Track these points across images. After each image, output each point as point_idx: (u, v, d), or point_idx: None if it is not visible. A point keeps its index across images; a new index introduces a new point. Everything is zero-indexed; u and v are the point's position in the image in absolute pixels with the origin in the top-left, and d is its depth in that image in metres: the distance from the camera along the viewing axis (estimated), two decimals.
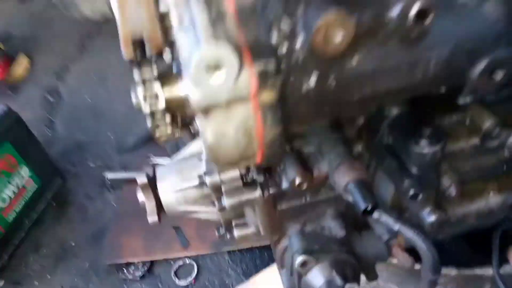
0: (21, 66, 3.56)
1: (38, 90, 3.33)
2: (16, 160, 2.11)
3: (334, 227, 1.02)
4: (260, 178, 0.94)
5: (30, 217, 2.17)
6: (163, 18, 0.49)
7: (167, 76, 0.49)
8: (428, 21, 0.47)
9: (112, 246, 1.98)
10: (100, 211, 2.19)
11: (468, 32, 0.52)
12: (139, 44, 0.50)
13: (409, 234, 0.87)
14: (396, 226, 0.88)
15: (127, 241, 1.97)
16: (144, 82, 0.50)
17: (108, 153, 2.53)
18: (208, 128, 0.48)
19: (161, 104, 0.50)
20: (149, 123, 0.51)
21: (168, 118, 0.51)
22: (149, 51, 0.50)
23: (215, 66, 0.41)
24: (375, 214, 0.91)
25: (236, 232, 1.07)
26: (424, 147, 0.76)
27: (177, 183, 1.01)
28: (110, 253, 1.95)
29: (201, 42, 0.40)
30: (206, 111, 0.46)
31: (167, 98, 0.49)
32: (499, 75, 0.56)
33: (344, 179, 0.78)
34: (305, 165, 0.92)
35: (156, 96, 0.50)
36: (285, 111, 0.52)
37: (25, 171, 2.16)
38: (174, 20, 0.46)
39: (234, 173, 0.93)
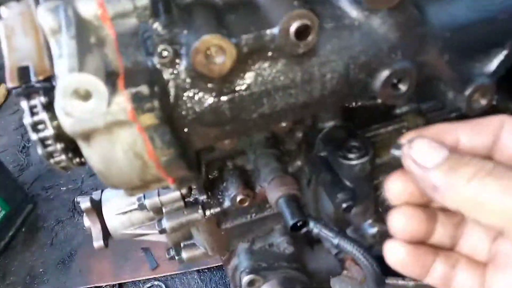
0: None
1: (14, 117, 3.31)
2: None
3: (282, 244, 1.01)
4: (202, 198, 0.93)
5: None
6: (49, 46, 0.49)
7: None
8: (310, 38, 0.47)
9: (80, 271, 1.95)
10: (70, 235, 2.16)
11: (361, 46, 0.51)
12: (25, 71, 0.49)
13: (349, 247, 0.87)
14: (336, 240, 0.88)
15: (96, 264, 1.93)
16: (31, 109, 0.49)
17: (80, 176, 2.51)
18: (92, 154, 0.47)
19: (49, 131, 0.49)
20: (39, 150, 0.50)
21: (60, 145, 0.50)
22: (35, 77, 0.49)
23: (85, 94, 0.40)
24: (315, 229, 0.91)
25: (185, 254, 1.05)
26: (352, 160, 0.75)
27: (122, 206, 1.00)
28: (79, 278, 1.92)
29: (66, 72, 0.39)
30: (86, 137, 0.45)
31: (55, 125, 0.49)
32: (403, 86, 0.56)
33: (275, 195, 0.77)
34: (247, 182, 0.92)
35: (44, 123, 0.49)
36: (182, 132, 0.52)
37: None
38: (52, 48, 0.45)
39: (175, 193, 0.92)
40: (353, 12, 0.51)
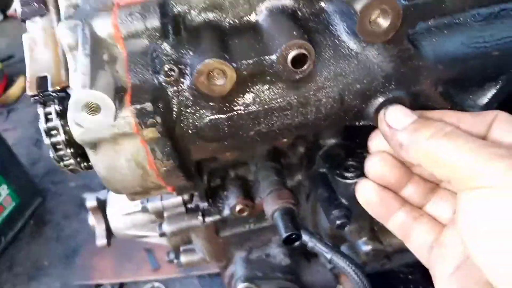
0: (18, 87, 3.62)
1: (31, 110, 3.39)
2: None
3: (278, 255, 1.04)
4: (203, 205, 0.96)
5: (7, 235, 2.19)
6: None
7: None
8: (306, 66, 0.50)
9: (83, 267, 1.99)
10: (76, 231, 2.21)
11: (356, 74, 0.54)
12: (43, 81, 0.53)
13: (341, 263, 0.89)
14: (329, 255, 0.91)
15: (98, 262, 1.98)
16: (46, 115, 0.53)
17: (90, 173, 2.55)
18: (98, 161, 0.51)
19: (61, 137, 0.53)
20: (51, 154, 0.54)
21: (70, 150, 0.54)
22: (51, 87, 0.53)
23: (95, 108, 0.44)
24: (310, 243, 0.93)
25: (183, 258, 1.08)
26: (348, 179, 0.78)
27: (126, 207, 1.04)
28: (81, 274, 1.96)
29: (78, 88, 0.43)
30: (93, 145, 0.49)
31: (67, 131, 0.52)
32: None
33: (271, 207, 0.80)
34: (248, 192, 0.95)
35: (57, 129, 0.53)
36: (182, 145, 0.55)
37: (4, 190, 2.18)
38: (69, 62, 0.49)
39: (176, 199, 0.95)
40: (351, 43, 0.54)
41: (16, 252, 2.17)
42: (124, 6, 0.50)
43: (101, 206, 1.06)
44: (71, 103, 0.44)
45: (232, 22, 0.55)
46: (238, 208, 0.91)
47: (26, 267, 2.10)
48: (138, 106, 0.46)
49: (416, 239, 0.53)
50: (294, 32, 0.50)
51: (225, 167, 0.95)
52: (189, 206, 0.97)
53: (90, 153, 0.50)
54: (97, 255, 2.00)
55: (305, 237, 0.90)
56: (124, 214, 1.04)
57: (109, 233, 1.06)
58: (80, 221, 2.24)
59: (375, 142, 0.55)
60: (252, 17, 0.56)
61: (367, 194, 0.53)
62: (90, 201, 1.03)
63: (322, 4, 0.56)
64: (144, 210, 0.95)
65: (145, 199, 0.95)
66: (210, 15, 0.55)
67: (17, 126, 3.18)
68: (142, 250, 1.98)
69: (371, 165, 0.53)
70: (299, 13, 0.56)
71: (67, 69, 0.54)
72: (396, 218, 0.53)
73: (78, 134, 0.47)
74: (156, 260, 1.93)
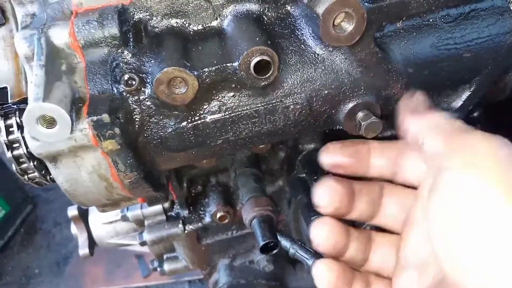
0: None
1: None
2: None
3: (262, 261, 1.02)
4: (183, 212, 0.95)
5: None
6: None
7: None
8: (270, 73, 0.49)
9: (74, 274, 1.98)
10: (67, 238, 2.19)
11: (323, 79, 0.53)
12: (2, 93, 0.52)
13: None
14: (310, 262, 0.89)
15: (89, 269, 1.96)
16: (7, 128, 0.52)
17: None
18: (58, 174, 0.49)
19: (23, 150, 0.52)
20: (13, 167, 0.53)
21: (33, 163, 0.53)
22: (12, 99, 0.52)
23: (50, 121, 0.43)
24: (291, 250, 0.92)
25: (167, 266, 1.07)
26: None
27: (107, 216, 1.02)
28: (72, 282, 1.95)
29: (32, 100, 0.42)
30: (53, 158, 0.48)
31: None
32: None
33: (249, 215, 0.79)
34: (229, 199, 0.93)
35: (18, 142, 0.52)
36: (147, 156, 0.54)
37: None
38: (27, 73, 0.48)
39: (157, 207, 0.94)
40: (317, 48, 0.53)
41: (6, 261, 2.15)
42: (82, 14, 0.49)
43: (83, 215, 1.04)
44: (24, 116, 0.42)
45: (196, 28, 0.54)
46: (219, 215, 0.89)
47: (16, 276, 2.09)
48: (95, 118, 0.45)
49: None
50: (257, 38, 0.48)
51: (207, 174, 0.94)
52: (170, 214, 0.96)
53: (50, 166, 0.49)
54: (87, 262, 1.98)
55: (286, 244, 0.89)
56: (106, 223, 1.03)
57: (91, 242, 1.04)
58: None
59: (322, 196, 0.56)
60: (217, 23, 0.54)
61: (328, 276, 0.52)
62: (71, 211, 1.01)
63: (288, 8, 0.55)
64: (125, 218, 0.94)
65: (126, 208, 0.94)
66: (173, 21, 0.53)
67: None
68: (133, 256, 1.96)
69: (320, 233, 0.54)
70: (265, 17, 0.55)
71: (27, 80, 0.53)
72: None
73: (34, 148, 0.46)
74: (147, 266, 1.92)
